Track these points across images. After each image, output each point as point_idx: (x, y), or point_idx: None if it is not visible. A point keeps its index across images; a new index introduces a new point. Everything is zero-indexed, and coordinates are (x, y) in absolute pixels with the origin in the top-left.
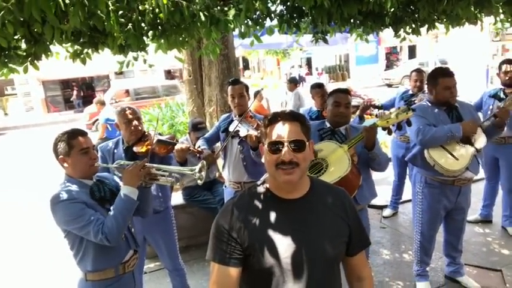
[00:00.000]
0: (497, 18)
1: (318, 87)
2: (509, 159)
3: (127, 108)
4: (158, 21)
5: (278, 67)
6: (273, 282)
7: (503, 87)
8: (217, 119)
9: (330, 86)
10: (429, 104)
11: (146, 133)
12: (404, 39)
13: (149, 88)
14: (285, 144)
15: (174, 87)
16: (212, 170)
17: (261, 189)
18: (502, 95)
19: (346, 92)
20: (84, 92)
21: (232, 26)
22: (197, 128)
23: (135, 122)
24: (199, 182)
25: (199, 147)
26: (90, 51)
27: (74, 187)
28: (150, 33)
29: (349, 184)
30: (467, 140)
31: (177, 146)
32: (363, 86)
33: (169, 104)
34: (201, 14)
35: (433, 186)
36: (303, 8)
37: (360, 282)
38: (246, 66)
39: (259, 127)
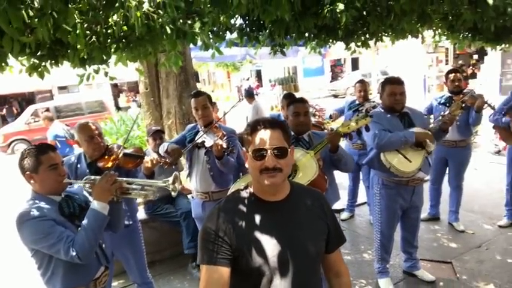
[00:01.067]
0: (436, 32)
1: (289, 98)
2: (457, 160)
3: (87, 124)
4: (122, 33)
5: (228, 79)
6: (263, 281)
7: (451, 94)
8: (176, 132)
9: None
10: (382, 111)
11: (109, 146)
12: (354, 51)
13: (72, 106)
14: (268, 151)
15: (100, 104)
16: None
17: (245, 193)
18: (451, 102)
19: (304, 101)
20: (24, 108)
21: (198, 38)
22: (150, 130)
23: (97, 139)
24: (173, 193)
25: (165, 156)
26: (48, 64)
27: (42, 204)
28: (114, 45)
29: (317, 187)
30: (419, 144)
31: (147, 159)
32: (311, 97)
33: (122, 118)
34: (166, 26)
35: (389, 187)
36: (261, 22)
37: (338, 278)
38: (196, 79)
39: (224, 137)
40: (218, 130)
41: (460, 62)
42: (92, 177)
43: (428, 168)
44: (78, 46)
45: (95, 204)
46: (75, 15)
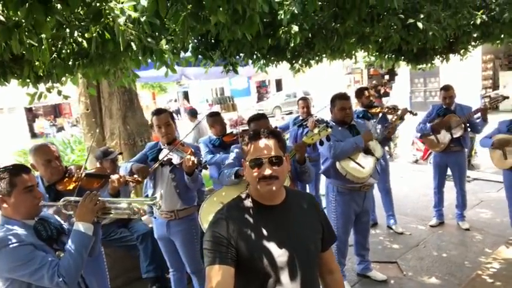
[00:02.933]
0: (368, 53)
1: (215, 115)
2: (383, 166)
3: (44, 146)
4: (83, 50)
5: (154, 101)
6: (270, 281)
7: (365, 108)
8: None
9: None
10: (334, 124)
11: (68, 168)
12: (298, 70)
13: None
14: (265, 160)
15: None
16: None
17: (246, 200)
18: (368, 115)
19: (264, 117)
20: None
21: (166, 56)
22: (107, 152)
23: (55, 163)
24: (156, 209)
25: (133, 175)
26: None
27: (17, 229)
28: (73, 62)
29: None
30: (368, 151)
31: (114, 177)
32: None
33: (53, 142)
34: (132, 43)
35: (344, 193)
36: (216, 40)
37: (331, 275)
38: None
39: (193, 154)
40: (187, 147)
41: (374, 82)
42: (71, 198)
43: (377, 174)
44: (37, 63)
45: (79, 225)
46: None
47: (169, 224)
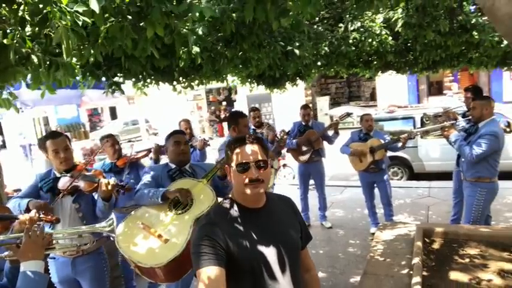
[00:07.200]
0: (239, 77)
1: (107, 137)
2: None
3: None
4: None
5: None
6: (264, 278)
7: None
8: None
9: (73, 144)
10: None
11: None
12: (180, 92)
13: None
14: (252, 164)
15: None
16: None
17: (230, 204)
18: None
19: (183, 132)
20: None
21: (77, 71)
22: None
23: None
24: (112, 235)
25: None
26: None
27: None
28: None
29: None
30: None
31: (24, 218)
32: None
33: None
34: (33, 56)
35: None
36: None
37: (309, 272)
38: None
39: (102, 176)
40: (96, 170)
41: (213, 107)
42: (4, 236)
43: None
44: None
45: (30, 264)
46: None
47: (75, 261)
